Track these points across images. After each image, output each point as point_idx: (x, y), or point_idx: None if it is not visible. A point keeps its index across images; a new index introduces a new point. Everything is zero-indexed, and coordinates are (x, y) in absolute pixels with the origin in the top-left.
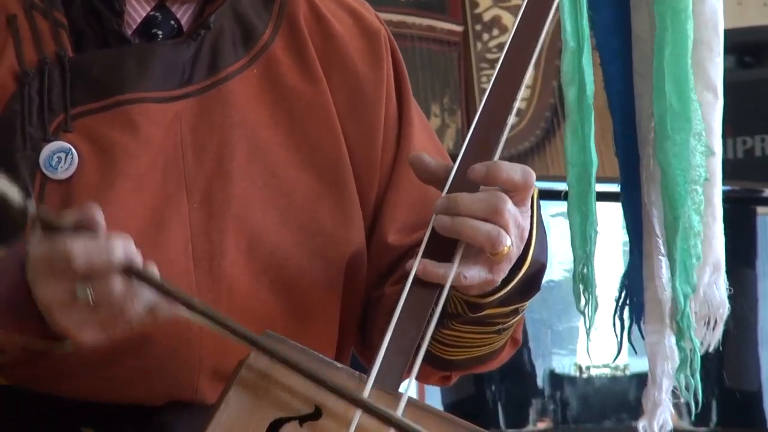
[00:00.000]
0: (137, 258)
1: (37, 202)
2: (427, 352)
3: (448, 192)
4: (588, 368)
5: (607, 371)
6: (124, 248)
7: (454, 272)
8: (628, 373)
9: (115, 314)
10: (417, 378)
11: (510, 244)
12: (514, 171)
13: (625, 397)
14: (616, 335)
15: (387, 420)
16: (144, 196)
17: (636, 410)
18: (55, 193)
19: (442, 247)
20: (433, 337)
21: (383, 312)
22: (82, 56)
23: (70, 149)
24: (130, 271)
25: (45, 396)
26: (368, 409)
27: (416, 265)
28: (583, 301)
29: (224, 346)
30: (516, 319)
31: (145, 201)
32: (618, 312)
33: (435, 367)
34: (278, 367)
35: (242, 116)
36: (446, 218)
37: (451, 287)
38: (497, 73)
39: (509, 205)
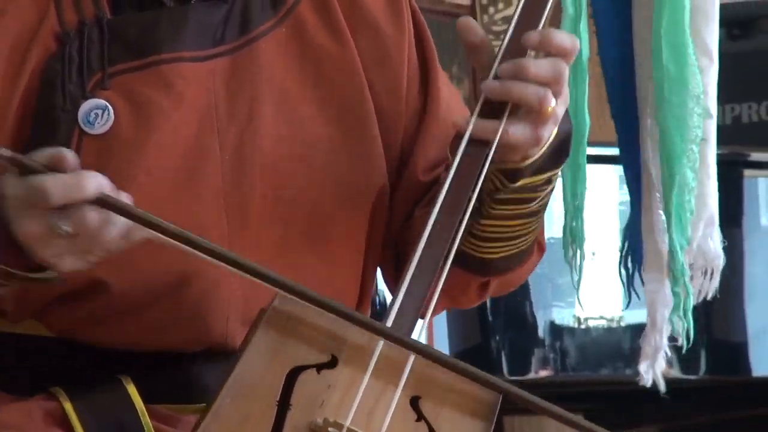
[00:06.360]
0: (109, 189)
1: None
2: (466, 254)
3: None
4: (586, 320)
5: (603, 323)
6: (95, 181)
7: (501, 129)
8: (622, 324)
9: (92, 243)
10: (456, 293)
11: (554, 104)
12: (564, 36)
13: (620, 346)
14: (623, 283)
15: (408, 346)
16: (177, 149)
17: (630, 359)
18: (92, 147)
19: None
20: (469, 233)
21: (414, 236)
22: (120, 18)
23: (106, 106)
24: (102, 202)
25: (84, 345)
26: (391, 338)
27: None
28: (570, 253)
29: (251, 291)
30: (550, 188)
31: (178, 153)
32: (623, 261)
33: (473, 272)
34: (302, 309)
35: (271, 73)
36: (495, 83)
37: (491, 164)
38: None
39: (566, 72)
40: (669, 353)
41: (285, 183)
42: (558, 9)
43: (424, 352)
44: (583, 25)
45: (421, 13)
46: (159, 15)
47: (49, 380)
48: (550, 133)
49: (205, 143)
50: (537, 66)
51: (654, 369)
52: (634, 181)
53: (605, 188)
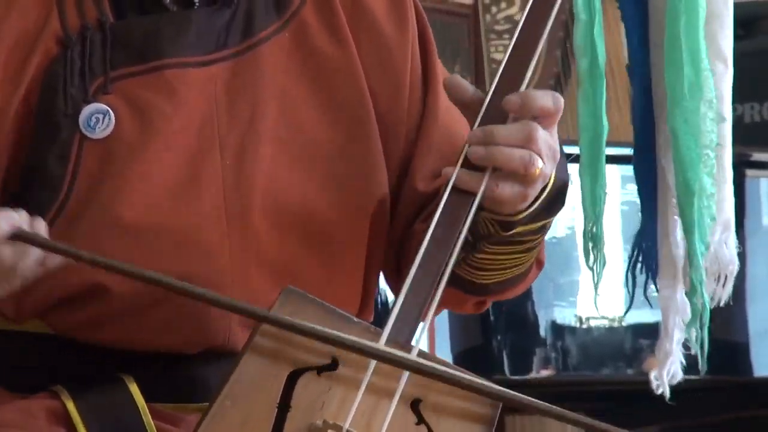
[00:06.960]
0: (24, 222)
1: (76, 160)
2: (461, 278)
3: (480, 125)
4: (587, 319)
5: (604, 322)
6: (7, 221)
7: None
8: (623, 324)
9: (9, 274)
10: (452, 307)
11: (541, 165)
12: (546, 98)
13: (621, 346)
14: (628, 290)
15: (400, 364)
16: (178, 154)
17: (631, 359)
18: (93, 152)
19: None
20: (466, 262)
21: (414, 247)
22: (122, 22)
23: (107, 110)
24: (17, 237)
25: (86, 344)
26: (380, 357)
27: (452, 179)
28: (591, 258)
29: (252, 293)
30: (542, 236)
31: (179, 158)
32: (630, 268)
33: (470, 293)
34: (303, 312)
35: (273, 78)
36: (479, 148)
37: (485, 212)
38: (525, 17)
39: (541, 132)
40: (683, 361)
41: (286, 188)
42: (560, 11)
43: (417, 369)
44: (598, 30)
45: (425, 16)
46: (161, 19)
47: (51, 379)
48: (537, 191)
49: (206, 148)
50: (506, 132)
51: (663, 376)
52: (648, 186)
53: (608, 188)
